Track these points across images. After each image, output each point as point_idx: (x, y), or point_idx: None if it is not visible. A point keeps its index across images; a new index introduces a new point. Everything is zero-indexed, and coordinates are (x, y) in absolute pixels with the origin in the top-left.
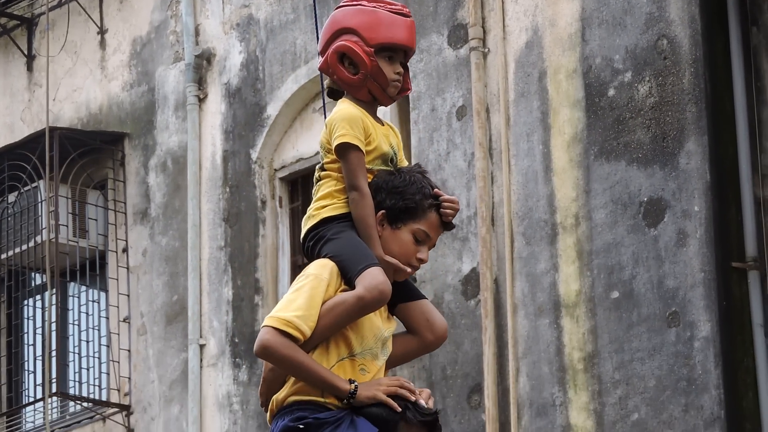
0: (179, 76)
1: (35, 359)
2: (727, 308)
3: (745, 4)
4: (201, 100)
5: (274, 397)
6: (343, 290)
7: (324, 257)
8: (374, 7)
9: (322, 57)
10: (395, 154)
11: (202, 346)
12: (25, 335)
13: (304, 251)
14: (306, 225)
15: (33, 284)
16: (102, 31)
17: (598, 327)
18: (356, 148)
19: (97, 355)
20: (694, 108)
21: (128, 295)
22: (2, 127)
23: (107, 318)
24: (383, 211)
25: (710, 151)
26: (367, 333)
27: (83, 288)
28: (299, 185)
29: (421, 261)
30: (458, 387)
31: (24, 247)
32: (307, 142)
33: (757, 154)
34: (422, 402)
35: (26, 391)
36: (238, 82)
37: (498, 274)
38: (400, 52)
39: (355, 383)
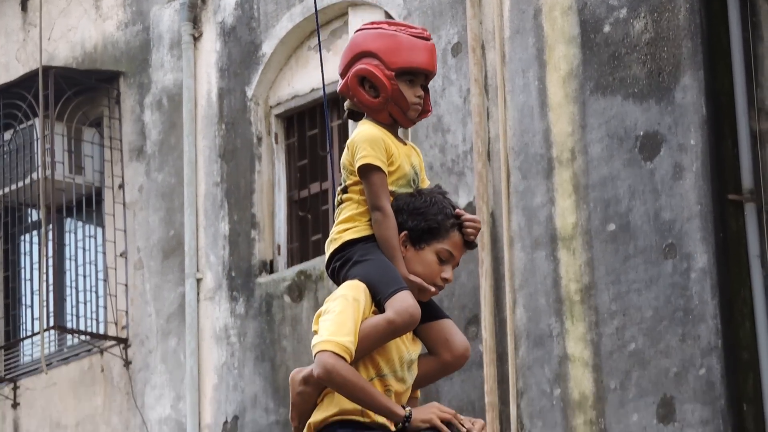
0: (174, 15)
1: (32, 294)
2: (724, 240)
3: None
4: (196, 39)
5: (310, 420)
6: (374, 311)
7: (354, 279)
8: (395, 30)
9: (343, 80)
10: (417, 174)
11: (198, 280)
12: (23, 270)
13: (329, 273)
14: (329, 248)
15: (30, 220)
16: None
17: (595, 259)
18: (378, 169)
19: (94, 289)
20: (690, 43)
21: (125, 231)
22: None
23: (104, 253)
24: (405, 232)
25: (706, 86)
26: (394, 355)
27: (80, 224)
28: (294, 122)
29: (446, 281)
30: (455, 319)
31: (20, 184)
32: (303, 80)
33: (753, 87)
34: None
35: (24, 325)
36: (233, 21)
37: (494, 208)
38: (420, 76)
39: (409, 408)
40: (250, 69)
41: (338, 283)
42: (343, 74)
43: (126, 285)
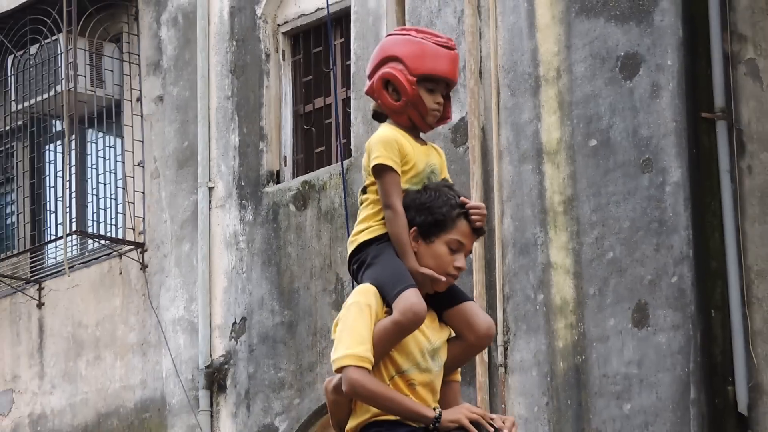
0: None
1: (56, 200)
2: (697, 155)
3: None
4: None
5: (347, 428)
6: (386, 312)
7: (366, 283)
8: (422, 38)
9: (369, 81)
10: (434, 173)
11: (210, 189)
12: (47, 178)
13: (351, 274)
14: (349, 249)
15: (54, 131)
16: None
17: (577, 172)
18: (390, 169)
19: (113, 196)
20: None
21: (142, 141)
22: None
23: (123, 162)
24: (415, 228)
25: (683, 9)
26: (412, 349)
27: (100, 134)
28: (301, 39)
29: (459, 269)
30: None
31: (45, 96)
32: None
33: (727, 11)
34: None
35: (48, 229)
36: None
37: (485, 123)
38: (441, 83)
39: (439, 409)
40: None
41: (358, 283)
42: (370, 76)
43: (143, 193)
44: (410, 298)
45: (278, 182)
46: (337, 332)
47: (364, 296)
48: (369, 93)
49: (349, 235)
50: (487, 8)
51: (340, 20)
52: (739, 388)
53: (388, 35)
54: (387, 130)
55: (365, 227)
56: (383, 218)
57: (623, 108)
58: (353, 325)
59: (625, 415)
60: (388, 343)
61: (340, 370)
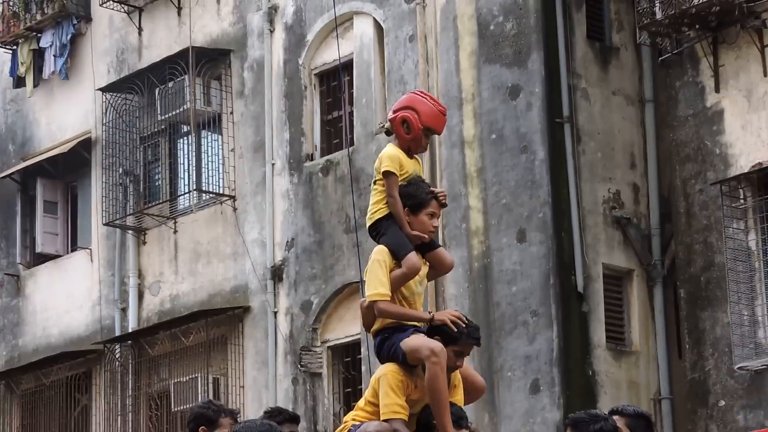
0: (260, 18)
1: (185, 171)
2: (553, 143)
3: None
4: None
5: (372, 329)
6: (394, 264)
7: (381, 245)
8: (433, 103)
9: (392, 114)
10: (417, 175)
11: (273, 165)
12: (179, 158)
13: (372, 238)
14: (367, 223)
15: (182, 131)
16: None
17: (484, 153)
18: (394, 174)
19: (217, 169)
20: None
21: (233, 137)
22: None
23: (222, 149)
24: (407, 207)
25: (545, 59)
26: (411, 284)
27: (209, 133)
28: (324, 77)
29: (435, 227)
30: None
31: (177, 110)
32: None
33: (570, 60)
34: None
35: (180, 188)
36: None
37: None
38: (433, 133)
39: (432, 312)
40: None
41: (377, 243)
42: (395, 111)
43: (234, 167)
44: (411, 259)
45: (312, 160)
46: (368, 277)
47: (381, 255)
48: (391, 120)
49: (352, 191)
50: (431, 59)
51: (347, 66)
52: (578, 277)
53: (413, 92)
54: (392, 150)
55: (377, 209)
56: (387, 203)
57: (511, 116)
58: (376, 274)
59: (513, 293)
60: (399, 284)
61: (372, 301)
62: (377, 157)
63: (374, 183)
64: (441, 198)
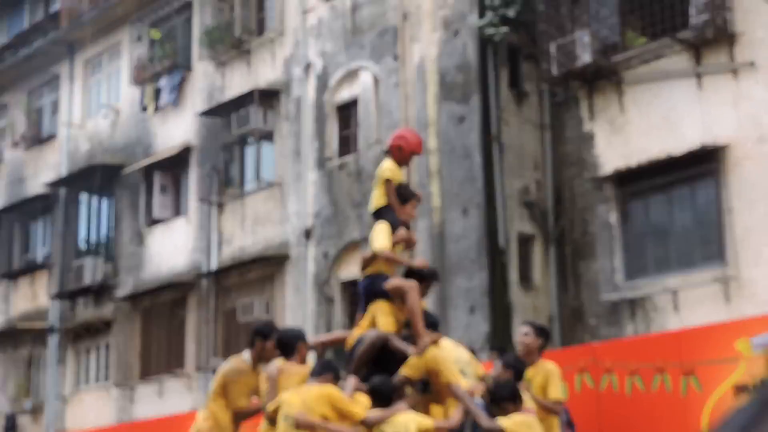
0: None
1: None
2: (487, 151)
3: None
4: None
5: (365, 271)
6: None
7: (383, 222)
8: (416, 137)
9: (391, 142)
10: (405, 183)
11: (305, 161)
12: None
13: (375, 219)
14: (371, 210)
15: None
16: None
17: (441, 153)
18: (391, 181)
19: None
20: None
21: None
22: None
23: (274, 151)
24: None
25: (479, 96)
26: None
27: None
28: (341, 107)
29: (413, 215)
30: None
31: (248, 127)
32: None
33: (496, 88)
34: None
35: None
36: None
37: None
38: (414, 156)
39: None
40: None
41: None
42: (392, 140)
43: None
44: (402, 233)
45: (331, 161)
46: (375, 236)
47: (384, 225)
48: (390, 146)
49: (361, 180)
50: (409, 98)
51: (355, 102)
52: (501, 239)
53: (404, 129)
54: (390, 164)
55: (378, 201)
56: (386, 199)
57: (459, 135)
58: (382, 235)
59: (458, 249)
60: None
61: (375, 252)
62: (374, 160)
63: (376, 184)
64: (418, 197)
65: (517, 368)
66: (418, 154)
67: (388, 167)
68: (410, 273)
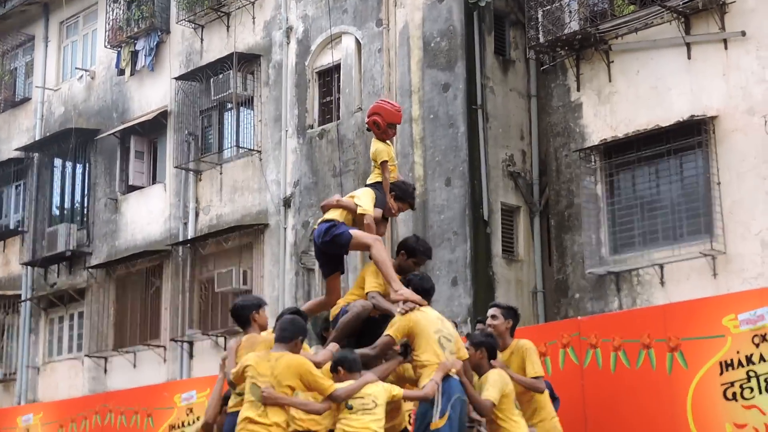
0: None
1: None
2: (470, 120)
3: None
4: None
5: (326, 216)
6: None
7: (370, 189)
8: (392, 106)
9: (368, 119)
10: (395, 158)
11: (286, 131)
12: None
13: (365, 186)
14: (367, 183)
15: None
16: None
17: (425, 126)
18: (386, 161)
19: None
20: None
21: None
22: None
23: (259, 120)
24: (394, 193)
25: (466, 75)
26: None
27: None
28: (323, 73)
29: (396, 214)
30: None
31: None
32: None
33: (480, 67)
34: None
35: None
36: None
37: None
38: (395, 125)
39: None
40: None
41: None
42: (368, 115)
43: (269, 131)
44: (377, 214)
45: (312, 129)
46: (361, 198)
47: (371, 188)
48: (368, 122)
49: (338, 150)
50: (392, 64)
51: (337, 67)
52: (485, 210)
53: (378, 101)
54: (380, 144)
55: (373, 179)
56: (378, 175)
57: (443, 103)
58: (367, 198)
59: (441, 220)
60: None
61: (363, 212)
62: (355, 128)
63: (373, 164)
64: (411, 204)
65: (487, 344)
66: (397, 124)
67: (377, 149)
68: (402, 245)
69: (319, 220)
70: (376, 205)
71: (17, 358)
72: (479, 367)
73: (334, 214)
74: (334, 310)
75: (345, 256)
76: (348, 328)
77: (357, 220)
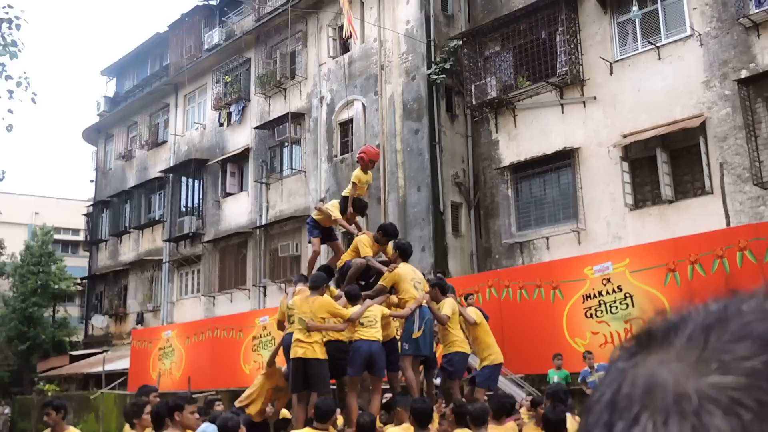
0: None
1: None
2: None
3: None
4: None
5: (313, 214)
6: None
7: (337, 203)
8: (374, 150)
9: (358, 154)
10: (369, 183)
11: (315, 151)
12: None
13: (341, 202)
14: (342, 195)
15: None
16: None
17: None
18: (355, 183)
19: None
20: None
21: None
22: None
23: (305, 152)
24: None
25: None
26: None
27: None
28: (342, 125)
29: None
30: None
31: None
32: (344, 114)
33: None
34: None
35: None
36: None
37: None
38: (374, 162)
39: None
40: None
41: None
42: (359, 153)
43: (307, 148)
44: (339, 221)
45: (336, 157)
46: (330, 208)
47: (339, 200)
48: (357, 157)
49: (354, 169)
50: (385, 119)
51: (351, 121)
52: (441, 206)
53: (367, 145)
54: (357, 171)
55: (345, 193)
56: (348, 192)
57: (415, 142)
58: (335, 208)
59: (415, 212)
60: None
61: (335, 218)
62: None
63: (350, 183)
64: (362, 213)
65: (439, 284)
66: (376, 161)
67: (355, 174)
68: (381, 227)
69: (312, 214)
70: (340, 210)
71: (161, 297)
72: (436, 298)
73: (316, 214)
74: (339, 264)
75: (334, 228)
76: (353, 276)
77: (328, 221)
